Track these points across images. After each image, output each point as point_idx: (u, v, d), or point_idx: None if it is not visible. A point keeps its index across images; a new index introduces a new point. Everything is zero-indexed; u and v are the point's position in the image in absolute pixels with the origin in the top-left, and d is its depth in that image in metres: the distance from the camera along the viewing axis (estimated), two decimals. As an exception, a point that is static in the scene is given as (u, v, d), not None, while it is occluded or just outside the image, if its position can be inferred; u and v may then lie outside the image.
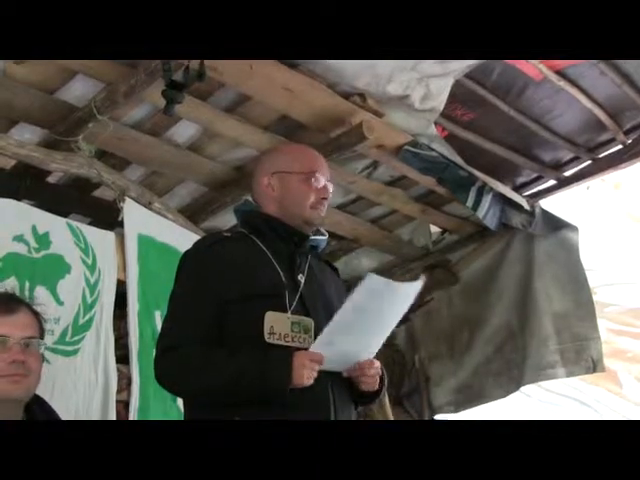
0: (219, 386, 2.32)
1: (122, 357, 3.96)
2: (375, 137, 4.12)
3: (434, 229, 5.78)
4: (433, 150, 4.47)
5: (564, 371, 5.32)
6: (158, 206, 4.37)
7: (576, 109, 4.68)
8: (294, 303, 2.43)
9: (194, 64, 3.37)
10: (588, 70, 4.32)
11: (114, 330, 3.93)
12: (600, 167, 5.21)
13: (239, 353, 2.33)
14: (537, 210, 5.26)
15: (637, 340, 7.03)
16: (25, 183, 4.10)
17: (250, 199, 2.79)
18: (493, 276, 5.74)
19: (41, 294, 3.53)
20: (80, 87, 3.76)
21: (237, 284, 2.44)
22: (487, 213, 5.01)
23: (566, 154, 5.22)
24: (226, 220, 4.83)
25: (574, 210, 5.94)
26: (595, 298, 5.39)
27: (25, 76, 3.63)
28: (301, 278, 2.52)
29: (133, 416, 3.80)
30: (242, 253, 2.54)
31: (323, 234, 2.76)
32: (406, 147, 4.40)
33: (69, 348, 3.68)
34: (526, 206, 5.15)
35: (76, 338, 3.72)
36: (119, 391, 3.86)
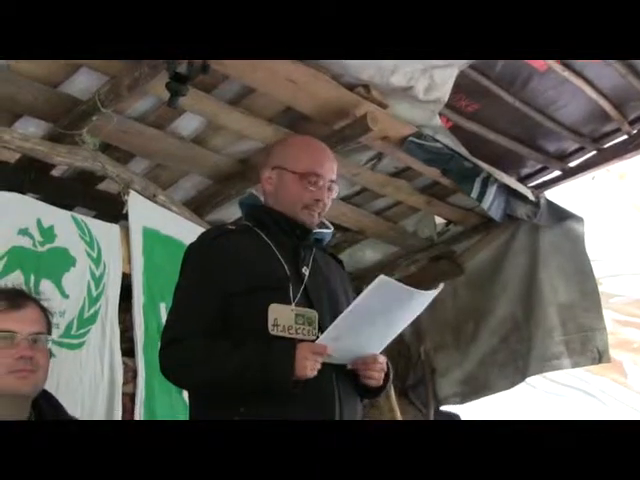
0: (223, 378, 2.33)
1: (128, 350, 3.96)
2: (379, 128, 4.11)
3: (439, 220, 5.77)
4: (437, 141, 4.46)
5: (569, 362, 5.32)
6: (163, 199, 4.37)
7: (581, 99, 4.67)
8: (298, 295, 2.43)
9: (198, 57, 3.37)
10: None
11: (119, 323, 3.93)
12: (605, 157, 5.20)
13: (243, 345, 2.33)
14: (542, 201, 5.25)
15: (643, 331, 7.04)
16: (29, 176, 4.11)
17: (255, 192, 2.79)
18: (498, 267, 5.73)
19: (46, 287, 3.54)
20: (84, 80, 3.76)
21: (241, 277, 2.44)
22: (492, 204, 5.00)
23: (571, 145, 5.21)
24: (230, 213, 4.82)
25: (579, 201, 5.93)
26: (600, 289, 5.38)
27: (29, 70, 3.63)
28: (305, 271, 2.52)
29: (139, 409, 3.81)
30: (246, 246, 2.54)
31: (328, 227, 2.74)
32: (410, 138, 4.39)
33: (74, 341, 3.68)
34: (531, 197, 5.14)
35: (81, 331, 3.73)
36: (125, 384, 3.86)
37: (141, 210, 4.20)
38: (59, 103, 3.83)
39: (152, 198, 4.29)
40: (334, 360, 2.37)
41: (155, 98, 3.96)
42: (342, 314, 2.31)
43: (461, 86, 4.25)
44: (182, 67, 3.41)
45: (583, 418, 6.58)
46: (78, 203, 4.53)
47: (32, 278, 3.58)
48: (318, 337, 2.36)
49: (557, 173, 5.41)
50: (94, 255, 3.90)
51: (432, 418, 5.98)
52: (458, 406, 6.07)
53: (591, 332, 5.23)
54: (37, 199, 3.95)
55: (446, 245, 5.90)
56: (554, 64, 4.26)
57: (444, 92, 4.14)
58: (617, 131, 5.04)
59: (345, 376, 2.45)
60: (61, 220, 3.84)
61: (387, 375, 2.53)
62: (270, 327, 2.35)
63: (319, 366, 2.30)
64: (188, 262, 2.59)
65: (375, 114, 4.06)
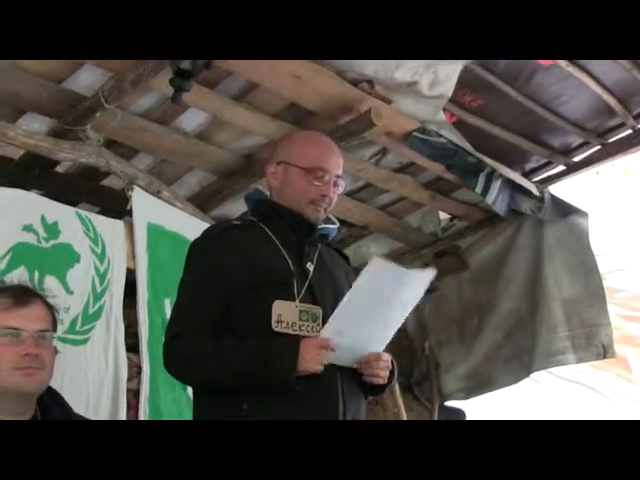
0: (226, 374, 2.33)
1: (132, 346, 3.96)
2: (383, 124, 4.11)
3: (443, 215, 5.78)
4: (442, 136, 4.46)
5: (574, 357, 5.31)
6: (167, 194, 4.37)
7: (585, 94, 4.66)
8: (302, 292, 2.43)
9: (201, 52, 3.37)
10: (597, 55, 4.30)
11: (124, 319, 3.94)
12: (609, 152, 5.19)
13: (246, 341, 2.33)
14: (546, 196, 5.24)
15: (647, 326, 7.03)
16: (34, 173, 4.11)
17: (260, 187, 2.78)
18: (502, 262, 5.73)
19: (51, 283, 3.53)
20: (88, 76, 3.76)
21: (245, 272, 2.44)
22: (496, 199, 5.00)
23: (575, 139, 5.20)
24: (235, 208, 4.83)
25: (583, 195, 5.92)
26: (605, 284, 5.37)
27: (33, 66, 3.63)
28: (310, 267, 2.51)
29: (143, 404, 3.82)
30: (251, 241, 2.54)
31: (333, 222, 2.73)
32: (415, 134, 4.39)
33: (79, 337, 3.69)
34: (535, 192, 5.14)
35: (86, 327, 3.73)
36: (129, 379, 3.87)
37: (145, 206, 4.20)
38: (63, 99, 3.83)
39: (156, 194, 4.29)
40: (339, 362, 2.37)
41: (159, 94, 3.96)
42: (340, 303, 2.32)
43: (465, 81, 4.24)
44: (186, 63, 3.41)
45: (588, 413, 6.59)
46: (82, 199, 4.53)
47: (36, 274, 3.58)
48: None
49: (561, 168, 5.40)
50: (98, 251, 3.90)
51: (437, 414, 5.98)
52: (463, 402, 6.07)
53: (596, 327, 5.22)
54: (41, 195, 3.95)
55: (450, 240, 5.90)
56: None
57: (448, 87, 4.14)
58: (622, 126, 5.03)
59: (349, 373, 2.44)
60: (65, 216, 3.84)
61: (392, 372, 2.53)
62: (274, 323, 2.34)
63: (325, 361, 2.30)
64: (192, 258, 2.59)
65: (379, 109, 4.06)
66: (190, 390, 2.85)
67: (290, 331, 2.35)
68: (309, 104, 4.12)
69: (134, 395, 3.89)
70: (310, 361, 2.27)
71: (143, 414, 3.81)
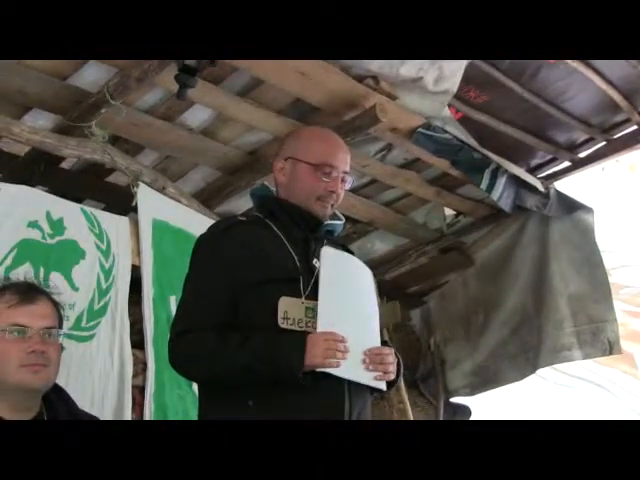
0: (232, 370, 2.31)
1: (137, 342, 3.96)
2: (389, 120, 4.11)
3: (448, 212, 5.77)
4: (447, 132, 4.46)
5: (580, 353, 5.32)
6: (172, 191, 4.37)
7: (590, 90, 4.65)
8: (309, 288, 2.41)
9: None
10: (602, 50, 4.28)
11: (129, 315, 3.94)
12: (615, 148, 5.19)
13: (252, 337, 2.32)
14: (552, 192, 5.25)
15: (653, 322, 7.03)
16: (39, 169, 4.12)
17: (267, 183, 2.78)
18: (508, 258, 5.73)
19: (56, 280, 3.53)
20: (93, 73, 3.76)
21: (251, 269, 2.42)
22: (501, 195, 5.00)
23: (580, 135, 5.19)
24: (240, 204, 4.83)
25: (589, 191, 5.92)
26: (611, 280, 5.37)
27: (38, 63, 3.63)
28: (316, 263, 2.49)
29: (148, 401, 3.81)
30: (257, 237, 2.52)
31: (339, 218, 2.72)
32: (420, 129, 4.39)
33: (84, 334, 3.68)
34: (541, 188, 5.14)
35: (91, 324, 3.73)
36: (134, 376, 3.86)
37: (150, 202, 4.20)
38: (68, 96, 3.83)
39: (161, 190, 4.29)
40: (349, 376, 2.36)
41: (164, 90, 3.96)
42: (319, 301, 2.35)
43: (470, 77, 4.24)
44: (191, 60, 3.41)
45: (593, 410, 6.60)
46: (87, 195, 4.54)
47: (42, 271, 3.58)
48: None
49: (567, 164, 5.40)
50: (103, 247, 3.90)
51: (442, 410, 5.98)
52: (468, 398, 6.07)
53: (602, 323, 5.22)
54: (46, 192, 3.95)
55: (456, 236, 5.90)
56: (564, 55, 4.25)
57: (453, 83, 4.14)
58: (627, 121, 5.02)
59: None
60: (70, 213, 3.84)
61: (398, 370, 2.52)
62: (280, 320, 2.33)
63: (340, 355, 2.29)
64: (198, 254, 2.58)
65: (384, 105, 4.06)
66: (196, 387, 2.85)
67: (296, 327, 2.34)
68: (314, 100, 4.12)
69: (139, 391, 3.89)
70: (317, 356, 2.26)
71: (148, 410, 3.81)
